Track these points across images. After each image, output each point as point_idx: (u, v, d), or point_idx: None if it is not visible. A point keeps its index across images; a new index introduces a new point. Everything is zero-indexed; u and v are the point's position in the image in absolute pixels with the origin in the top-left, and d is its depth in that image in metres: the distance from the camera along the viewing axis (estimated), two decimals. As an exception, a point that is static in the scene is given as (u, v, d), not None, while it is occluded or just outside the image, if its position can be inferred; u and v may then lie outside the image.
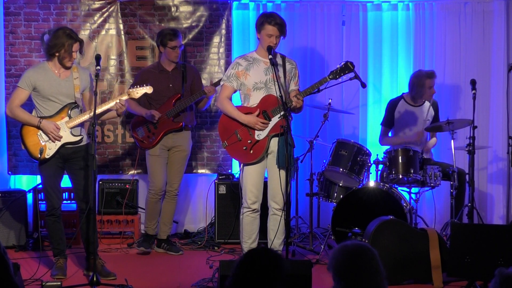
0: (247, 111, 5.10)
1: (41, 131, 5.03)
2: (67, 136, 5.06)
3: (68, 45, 4.97)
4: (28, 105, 5.19)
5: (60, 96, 5.05)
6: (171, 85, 5.85)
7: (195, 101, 5.91)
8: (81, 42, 5.06)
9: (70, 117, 5.07)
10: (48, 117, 5.03)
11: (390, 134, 6.40)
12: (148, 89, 5.28)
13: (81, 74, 5.15)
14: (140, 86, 5.26)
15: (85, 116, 5.06)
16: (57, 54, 5.02)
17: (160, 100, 5.83)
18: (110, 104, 5.07)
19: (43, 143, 5.04)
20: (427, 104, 6.31)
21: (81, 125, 5.13)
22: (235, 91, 5.21)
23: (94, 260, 4.86)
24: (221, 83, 5.29)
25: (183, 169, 6.01)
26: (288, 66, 5.18)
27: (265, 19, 5.06)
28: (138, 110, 5.86)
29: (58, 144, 5.05)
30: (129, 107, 5.76)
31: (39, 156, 5.02)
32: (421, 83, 6.18)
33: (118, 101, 5.06)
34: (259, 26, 5.07)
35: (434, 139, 6.38)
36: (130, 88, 5.30)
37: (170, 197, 6.00)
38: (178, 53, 5.86)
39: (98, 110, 4.96)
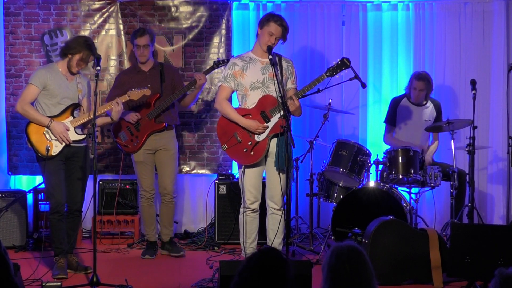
0: (246, 112, 5.10)
1: (48, 129, 5.09)
2: (72, 134, 5.15)
3: (86, 55, 5.08)
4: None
5: (66, 98, 5.16)
6: (149, 85, 5.73)
7: (176, 99, 5.85)
8: (95, 57, 5.07)
9: (74, 117, 5.18)
10: (54, 117, 5.11)
11: (393, 134, 6.39)
12: (146, 92, 5.42)
13: (82, 81, 5.29)
14: (138, 89, 5.38)
15: (87, 115, 5.18)
16: (69, 56, 5.12)
17: (140, 101, 5.76)
18: (109, 105, 5.21)
19: (49, 141, 5.10)
20: (429, 104, 6.31)
21: (82, 126, 5.22)
22: (233, 92, 5.21)
23: (95, 265, 4.86)
24: (218, 84, 5.27)
25: (174, 169, 5.91)
26: (284, 64, 5.17)
27: (272, 17, 5.06)
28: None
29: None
30: (108, 111, 5.76)
31: (46, 153, 5.06)
32: (410, 81, 6.27)
33: (116, 100, 5.18)
34: (264, 21, 5.05)
35: (435, 144, 6.35)
36: (129, 90, 5.38)
37: (168, 201, 5.92)
38: (145, 53, 5.79)
39: (99, 112, 5.06)
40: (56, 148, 5.10)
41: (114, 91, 5.81)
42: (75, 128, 5.16)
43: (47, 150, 5.06)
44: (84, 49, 5.08)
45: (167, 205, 5.94)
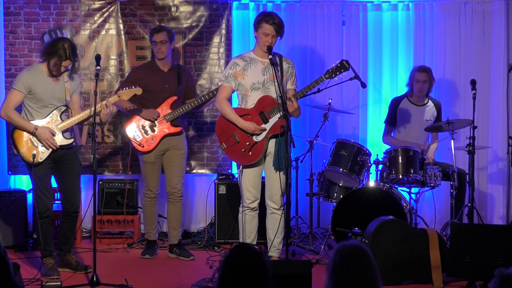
0: (245, 113, 5.10)
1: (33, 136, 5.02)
2: (59, 139, 5.06)
3: (60, 61, 4.95)
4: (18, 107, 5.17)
5: (53, 100, 5.05)
6: (167, 86, 5.75)
7: (199, 104, 5.82)
8: (72, 61, 5.00)
9: (61, 120, 5.08)
10: (40, 120, 5.02)
11: (392, 133, 6.40)
12: (137, 91, 5.27)
13: (69, 79, 5.14)
14: (129, 88, 5.26)
15: (75, 118, 5.08)
16: (46, 60, 5.01)
17: (155, 101, 5.72)
18: (98, 106, 5.04)
19: (35, 147, 5.02)
20: (430, 104, 6.31)
21: (72, 127, 5.15)
22: (233, 91, 5.21)
23: (95, 265, 4.86)
24: (219, 83, 5.27)
25: (183, 169, 5.89)
26: (285, 65, 5.17)
27: (263, 17, 5.06)
28: (134, 110, 5.73)
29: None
30: (121, 108, 5.70)
31: (32, 160, 4.99)
32: (411, 76, 6.28)
33: (105, 102, 5.04)
34: (257, 24, 5.07)
35: (435, 144, 6.34)
36: (119, 89, 5.30)
37: (175, 200, 5.86)
38: (162, 49, 5.72)
39: (87, 115, 5.00)
40: (42, 154, 5.01)
41: (128, 84, 5.57)
42: (62, 132, 5.06)
43: (33, 157, 4.98)
44: (61, 52, 4.92)
45: (175, 204, 5.86)
